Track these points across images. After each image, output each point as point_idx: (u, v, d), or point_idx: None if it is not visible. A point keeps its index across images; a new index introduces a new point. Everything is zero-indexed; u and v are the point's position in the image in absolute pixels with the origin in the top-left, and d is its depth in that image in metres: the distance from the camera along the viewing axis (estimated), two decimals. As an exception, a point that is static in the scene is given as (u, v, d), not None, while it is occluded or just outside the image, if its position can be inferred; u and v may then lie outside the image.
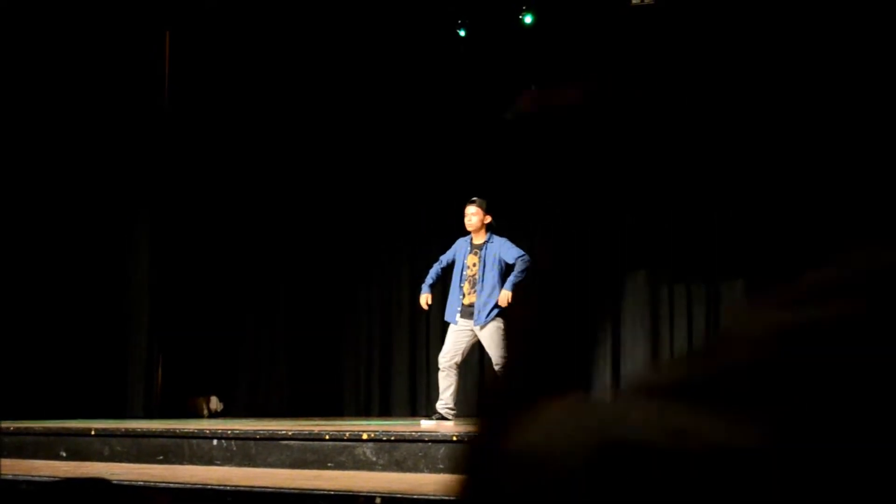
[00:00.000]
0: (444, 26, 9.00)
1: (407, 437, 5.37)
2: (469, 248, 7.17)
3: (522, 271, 6.82)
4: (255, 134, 9.42)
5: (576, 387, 0.64)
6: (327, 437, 5.55)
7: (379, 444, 5.37)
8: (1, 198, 7.81)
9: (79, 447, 6.24)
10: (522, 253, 6.91)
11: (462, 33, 9.03)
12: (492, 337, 6.89)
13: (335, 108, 9.46)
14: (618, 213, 0.67)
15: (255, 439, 5.74)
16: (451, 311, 7.16)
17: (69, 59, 8.31)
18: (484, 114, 8.33)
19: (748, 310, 0.54)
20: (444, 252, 7.35)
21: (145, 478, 5.08)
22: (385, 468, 5.30)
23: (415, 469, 5.21)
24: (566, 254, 0.67)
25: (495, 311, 6.92)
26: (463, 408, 7.19)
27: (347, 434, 5.50)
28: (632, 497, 0.47)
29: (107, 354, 8.46)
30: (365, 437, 5.42)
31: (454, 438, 5.24)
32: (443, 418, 6.94)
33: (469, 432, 0.60)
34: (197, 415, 8.79)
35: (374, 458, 5.36)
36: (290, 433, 5.70)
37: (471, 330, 7.03)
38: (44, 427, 6.47)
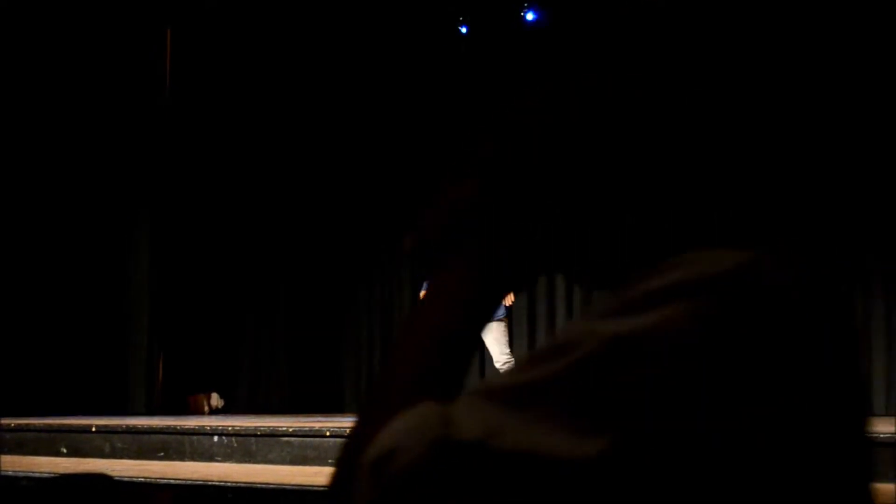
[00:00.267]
0: (445, 25, 9.00)
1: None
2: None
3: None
4: (256, 133, 9.40)
5: (450, 387, 0.66)
6: (328, 433, 5.55)
7: (379, 442, 5.36)
8: (2, 198, 7.83)
9: (79, 444, 6.24)
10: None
11: (464, 30, 9.03)
12: (492, 335, 6.90)
13: (336, 107, 9.45)
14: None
15: (255, 436, 5.75)
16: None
17: (70, 58, 8.31)
18: (486, 112, 8.33)
19: (582, 318, 0.56)
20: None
21: (146, 474, 5.09)
22: (385, 465, 5.29)
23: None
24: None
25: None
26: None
27: (348, 430, 5.48)
28: (452, 488, 0.52)
29: (108, 352, 8.47)
30: (365, 434, 5.40)
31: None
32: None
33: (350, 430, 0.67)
34: (198, 412, 8.80)
35: (375, 456, 5.35)
36: (290, 430, 5.70)
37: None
38: (44, 423, 6.46)
